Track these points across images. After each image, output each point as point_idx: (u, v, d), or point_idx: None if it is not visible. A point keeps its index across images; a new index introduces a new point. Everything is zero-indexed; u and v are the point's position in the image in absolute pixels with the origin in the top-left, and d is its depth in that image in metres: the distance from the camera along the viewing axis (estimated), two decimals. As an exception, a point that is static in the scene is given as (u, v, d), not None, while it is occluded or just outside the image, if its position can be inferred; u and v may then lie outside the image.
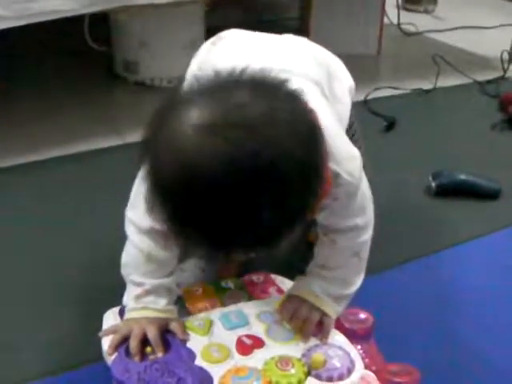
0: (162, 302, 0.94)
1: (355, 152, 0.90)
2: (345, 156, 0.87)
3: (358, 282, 0.98)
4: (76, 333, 1.04)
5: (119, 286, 0.97)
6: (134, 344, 0.91)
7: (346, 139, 0.91)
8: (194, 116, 0.68)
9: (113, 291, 0.99)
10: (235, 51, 1.01)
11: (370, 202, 0.95)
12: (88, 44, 2.17)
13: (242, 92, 0.70)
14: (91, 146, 1.62)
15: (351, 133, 1.09)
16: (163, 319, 0.94)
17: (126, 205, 1.13)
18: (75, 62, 2.14)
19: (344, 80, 1.08)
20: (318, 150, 0.74)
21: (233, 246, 0.74)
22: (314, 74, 0.96)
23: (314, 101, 0.86)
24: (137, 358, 0.90)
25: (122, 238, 0.96)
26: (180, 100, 0.72)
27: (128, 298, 0.96)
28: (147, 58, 2.03)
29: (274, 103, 0.71)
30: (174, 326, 0.94)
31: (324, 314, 0.96)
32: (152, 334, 0.92)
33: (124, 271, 0.97)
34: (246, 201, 0.68)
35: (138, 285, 0.95)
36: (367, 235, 0.96)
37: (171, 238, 0.88)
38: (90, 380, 0.97)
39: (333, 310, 0.96)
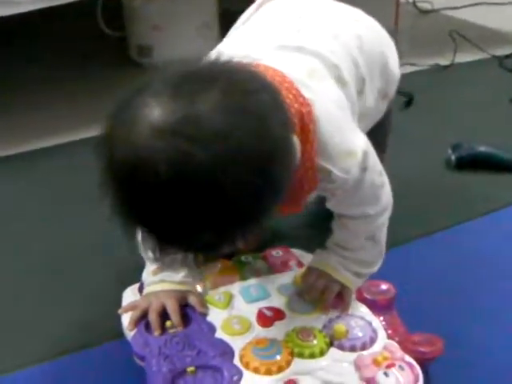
0: (178, 275, 0.94)
1: (356, 147, 0.86)
2: (340, 153, 0.84)
3: (378, 262, 0.97)
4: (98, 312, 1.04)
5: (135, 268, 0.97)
6: (152, 317, 0.90)
7: (347, 134, 0.87)
8: (153, 115, 0.66)
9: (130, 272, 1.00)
10: (258, 26, 1.01)
11: (383, 189, 0.92)
12: (102, 30, 2.17)
13: (208, 98, 0.67)
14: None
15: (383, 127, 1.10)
16: (181, 292, 0.94)
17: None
18: (89, 48, 2.13)
19: (387, 72, 1.05)
20: (278, 171, 0.70)
21: (179, 245, 0.72)
22: (333, 54, 0.93)
23: (318, 87, 0.86)
24: (157, 332, 0.89)
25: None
26: (148, 90, 0.69)
27: (146, 274, 0.96)
28: (161, 42, 2.02)
29: (236, 118, 0.67)
30: (192, 299, 0.94)
31: (343, 286, 0.95)
32: (171, 306, 0.91)
33: (140, 248, 0.96)
34: (184, 212, 0.66)
35: (152, 260, 0.93)
36: (381, 220, 0.94)
37: None
38: (110, 356, 0.96)
39: (352, 283, 0.95)
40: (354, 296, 0.96)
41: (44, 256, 1.18)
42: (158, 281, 0.94)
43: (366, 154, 0.87)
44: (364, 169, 0.87)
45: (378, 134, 1.06)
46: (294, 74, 0.85)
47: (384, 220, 0.94)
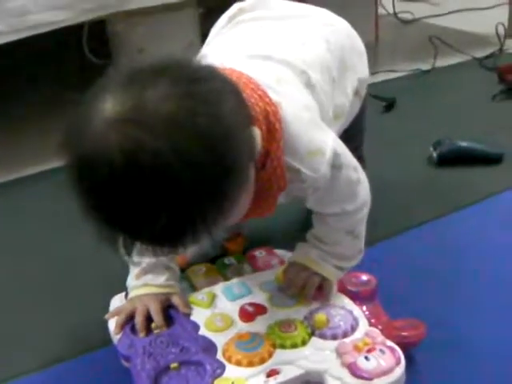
0: (161, 279, 0.96)
1: (324, 145, 0.87)
2: (308, 151, 0.86)
3: (357, 257, 0.99)
4: (85, 321, 1.05)
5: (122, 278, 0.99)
6: (138, 320, 0.92)
7: (314, 133, 0.88)
8: (107, 108, 0.68)
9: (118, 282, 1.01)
10: (230, 38, 1.05)
11: (360, 185, 0.93)
12: (88, 58, 2.20)
13: (157, 87, 0.69)
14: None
15: (357, 124, 1.13)
16: (164, 294, 0.95)
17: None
18: (75, 77, 2.17)
19: (358, 69, 1.08)
20: (231, 154, 0.71)
21: (137, 239, 0.73)
22: (301, 61, 0.96)
23: (285, 91, 0.88)
24: (142, 334, 0.91)
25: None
26: (105, 87, 0.71)
27: (130, 278, 0.98)
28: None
29: (185, 102, 0.69)
30: (175, 300, 0.95)
31: (324, 279, 0.96)
32: (154, 308, 0.93)
33: (122, 252, 0.97)
34: (140, 199, 0.67)
35: (136, 264, 0.96)
36: (360, 215, 0.95)
37: None
38: (100, 364, 0.97)
39: (332, 275, 0.97)
40: (335, 288, 0.97)
41: (32, 268, 1.20)
42: (142, 285, 0.96)
43: (335, 153, 0.88)
44: (336, 167, 0.89)
45: (353, 132, 1.10)
46: (262, 79, 0.87)
47: (363, 215, 0.96)
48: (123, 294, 1.01)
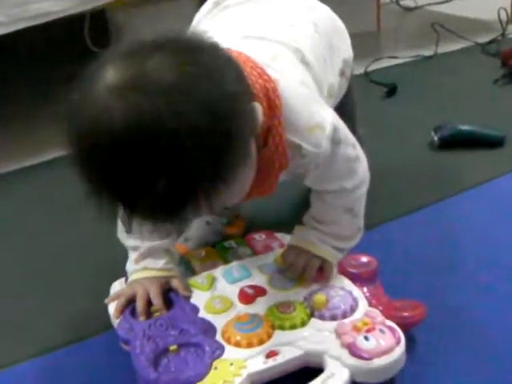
0: (160, 262, 0.95)
1: (324, 120, 0.88)
2: (308, 126, 0.86)
3: (357, 236, 0.99)
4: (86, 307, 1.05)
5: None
6: (139, 304, 0.92)
7: (313, 109, 0.89)
8: (109, 76, 0.68)
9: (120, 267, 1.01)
10: (220, 22, 1.05)
11: (358, 163, 0.94)
12: (88, 47, 2.20)
13: (159, 56, 0.69)
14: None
15: (347, 104, 1.13)
16: (164, 277, 0.95)
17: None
18: (76, 66, 2.16)
19: (341, 51, 1.10)
20: (233, 122, 0.71)
21: (137, 208, 0.72)
22: (293, 41, 0.97)
23: (282, 68, 0.89)
24: (142, 318, 0.91)
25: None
26: (107, 59, 0.72)
27: (129, 263, 0.98)
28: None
29: (186, 69, 0.69)
30: (174, 283, 0.95)
31: (323, 261, 0.96)
32: (153, 292, 0.93)
33: (121, 237, 0.98)
34: (140, 162, 0.67)
35: (134, 249, 0.96)
36: (358, 193, 0.95)
37: None
38: (101, 349, 0.97)
39: (332, 256, 0.96)
40: (335, 269, 0.97)
41: (32, 255, 1.20)
42: (141, 268, 0.96)
43: (335, 128, 0.89)
44: (335, 142, 0.89)
45: (346, 108, 1.09)
46: (259, 58, 0.87)
47: (362, 193, 0.96)
48: (123, 279, 1.01)
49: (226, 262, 1.03)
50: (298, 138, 0.85)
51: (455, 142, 1.42)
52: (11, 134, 1.73)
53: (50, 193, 1.41)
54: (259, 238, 1.08)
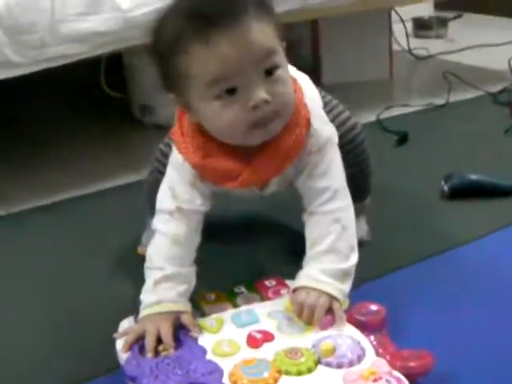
0: (176, 291, 0.98)
1: (329, 123, 1.06)
2: (319, 116, 1.04)
3: (352, 256, 1.00)
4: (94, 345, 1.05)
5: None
6: (149, 340, 0.93)
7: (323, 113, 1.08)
8: None
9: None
10: None
11: (339, 169, 1.03)
12: (105, 91, 2.25)
13: None
14: (110, 184, 1.67)
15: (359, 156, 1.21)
16: (176, 312, 0.97)
17: (140, 231, 1.26)
18: (93, 108, 2.21)
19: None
20: None
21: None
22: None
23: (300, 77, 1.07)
24: (150, 354, 0.92)
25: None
26: None
27: (145, 291, 1.00)
28: (162, 100, 2.07)
29: None
30: (184, 318, 0.96)
31: (331, 299, 0.97)
32: (164, 330, 0.94)
33: (147, 262, 1.01)
34: None
35: (159, 268, 0.99)
36: (343, 202, 1.02)
37: (194, 219, 1.01)
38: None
39: (337, 290, 0.98)
40: (344, 315, 0.97)
41: (44, 294, 1.22)
42: (155, 302, 0.97)
43: (335, 135, 1.05)
44: (330, 142, 1.03)
45: (358, 160, 1.18)
46: None
47: (345, 204, 1.02)
48: (132, 317, 1.02)
49: (235, 306, 1.04)
50: (313, 119, 1.01)
51: (465, 191, 1.43)
52: (24, 173, 1.77)
53: (67, 233, 1.43)
54: (269, 284, 1.09)
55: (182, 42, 0.91)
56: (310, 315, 0.96)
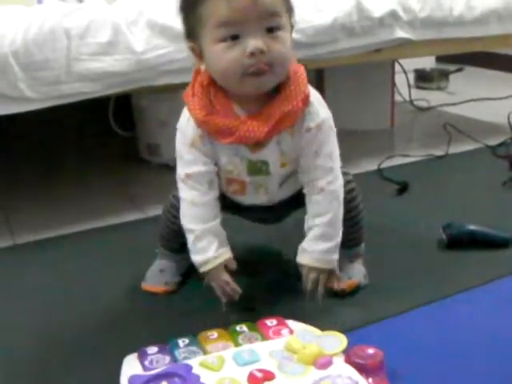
0: (213, 247, 1.17)
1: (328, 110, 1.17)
2: (318, 99, 1.15)
3: (339, 232, 1.19)
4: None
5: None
6: (226, 289, 1.18)
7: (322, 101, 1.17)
8: None
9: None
10: None
11: (338, 153, 1.18)
12: (114, 130, 2.29)
13: None
14: (115, 220, 1.70)
15: (351, 210, 1.29)
16: (221, 264, 1.17)
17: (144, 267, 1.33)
18: (101, 146, 2.25)
19: None
20: None
21: None
22: None
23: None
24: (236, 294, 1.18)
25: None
26: None
27: (191, 252, 1.19)
28: (168, 140, 2.11)
29: None
30: (230, 263, 1.18)
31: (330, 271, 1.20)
32: (223, 280, 1.17)
33: (182, 223, 1.20)
34: None
35: (190, 231, 1.18)
36: (341, 182, 1.19)
37: (203, 181, 1.16)
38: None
39: (332, 261, 1.20)
40: (343, 358, 0.99)
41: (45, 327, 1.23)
42: (203, 262, 1.17)
43: (331, 120, 1.17)
44: (329, 124, 1.16)
45: (350, 215, 1.26)
46: None
47: (341, 184, 1.19)
48: (136, 354, 1.04)
49: (237, 344, 1.06)
50: (314, 100, 1.14)
51: (463, 240, 1.45)
52: (31, 206, 1.80)
53: (71, 266, 1.46)
54: (270, 323, 1.11)
55: None
56: (314, 286, 1.18)
